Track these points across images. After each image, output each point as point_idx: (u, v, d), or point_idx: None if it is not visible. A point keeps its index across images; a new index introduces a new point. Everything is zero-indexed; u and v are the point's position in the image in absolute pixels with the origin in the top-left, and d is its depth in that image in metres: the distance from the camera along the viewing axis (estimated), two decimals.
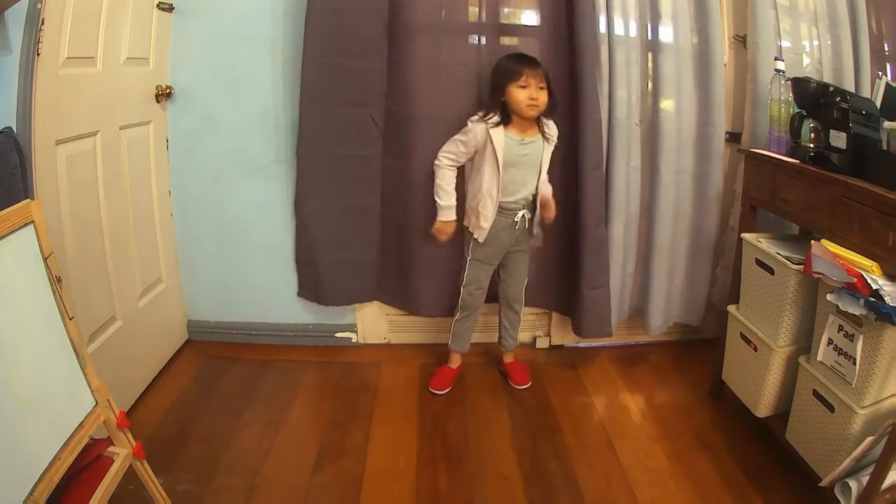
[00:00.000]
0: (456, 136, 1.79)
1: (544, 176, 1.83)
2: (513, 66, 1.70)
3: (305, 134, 1.93)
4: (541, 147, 1.77)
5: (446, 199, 1.83)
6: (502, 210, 1.79)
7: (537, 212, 1.85)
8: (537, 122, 1.77)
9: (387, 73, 1.89)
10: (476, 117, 1.75)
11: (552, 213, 1.84)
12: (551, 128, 1.79)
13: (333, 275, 2.08)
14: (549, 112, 1.77)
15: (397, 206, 2.02)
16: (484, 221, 1.78)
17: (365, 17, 1.82)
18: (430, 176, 1.86)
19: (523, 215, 1.81)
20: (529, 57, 1.72)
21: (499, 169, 1.72)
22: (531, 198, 1.82)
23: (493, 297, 2.02)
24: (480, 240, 1.81)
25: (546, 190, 1.84)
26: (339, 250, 2.05)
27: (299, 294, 2.18)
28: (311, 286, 2.13)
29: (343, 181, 1.99)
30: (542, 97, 1.70)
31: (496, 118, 1.71)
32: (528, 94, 1.68)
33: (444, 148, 1.81)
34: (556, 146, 1.82)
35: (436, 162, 1.82)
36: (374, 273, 2.13)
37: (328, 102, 1.89)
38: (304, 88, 1.88)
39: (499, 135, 1.71)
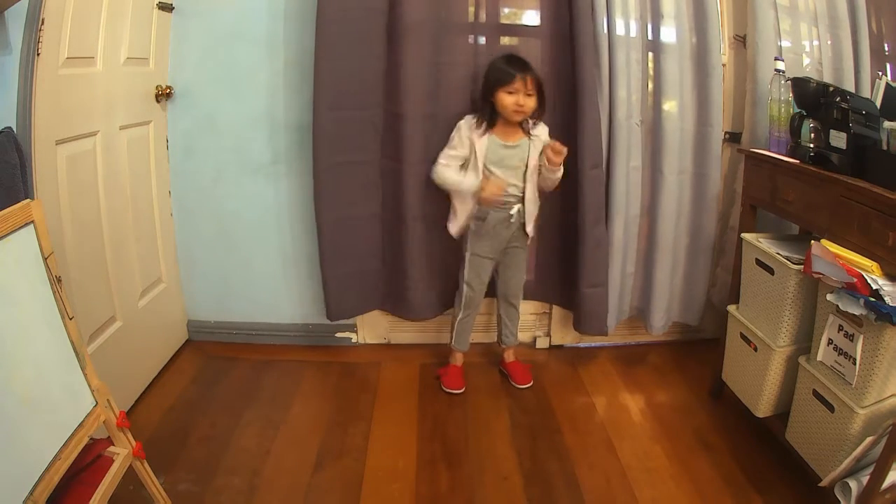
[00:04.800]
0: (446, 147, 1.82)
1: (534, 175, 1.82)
2: (505, 69, 1.70)
3: (319, 140, 1.87)
4: (526, 149, 1.78)
5: (458, 177, 1.78)
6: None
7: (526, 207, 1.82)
8: (523, 126, 1.78)
9: (385, 73, 1.88)
10: (469, 119, 1.78)
11: (558, 152, 1.71)
12: (539, 129, 1.79)
13: (341, 288, 2.05)
14: (538, 116, 1.78)
15: (396, 209, 2.01)
16: (462, 214, 1.82)
17: (366, 18, 1.81)
18: (429, 177, 1.86)
19: (519, 209, 1.82)
20: (522, 60, 1.72)
21: (479, 171, 1.75)
22: (521, 194, 1.81)
23: (490, 292, 2.01)
24: (454, 234, 1.85)
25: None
26: (345, 262, 2.01)
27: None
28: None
29: (350, 188, 1.98)
30: (529, 104, 1.70)
31: (483, 125, 1.75)
32: (514, 100, 1.69)
33: (440, 157, 1.83)
34: None
35: (432, 175, 1.83)
36: (377, 283, 2.11)
37: (338, 107, 1.86)
38: (317, 93, 1.83)
39: (482, 141, 1.75)
